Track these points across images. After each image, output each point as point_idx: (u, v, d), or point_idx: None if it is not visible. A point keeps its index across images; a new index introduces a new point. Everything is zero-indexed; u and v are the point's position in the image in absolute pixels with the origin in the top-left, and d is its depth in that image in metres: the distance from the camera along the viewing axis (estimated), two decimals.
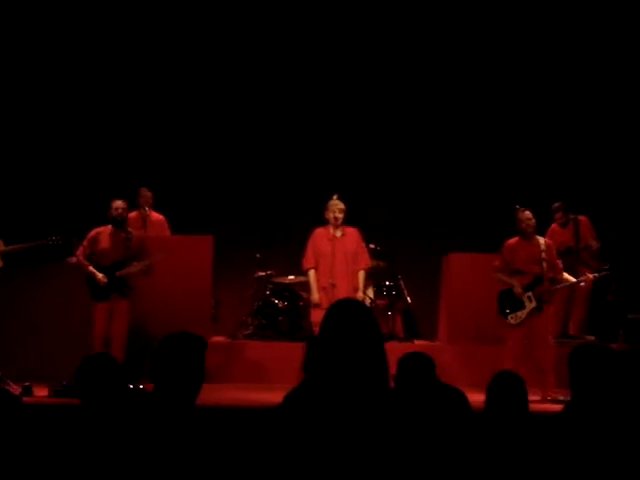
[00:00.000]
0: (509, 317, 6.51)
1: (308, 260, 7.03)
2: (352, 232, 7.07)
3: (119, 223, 6.65)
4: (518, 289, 6.49)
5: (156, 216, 8.07)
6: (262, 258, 8.36)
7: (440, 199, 9.42)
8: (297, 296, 7.98)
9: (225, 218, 9.22)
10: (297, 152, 9.41)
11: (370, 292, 7.88)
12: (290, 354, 7.20)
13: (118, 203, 6.67)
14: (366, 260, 7.13)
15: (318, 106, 9.43)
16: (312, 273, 6.99)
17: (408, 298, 8.22)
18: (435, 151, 9.40)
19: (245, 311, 8.25)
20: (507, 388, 3.19)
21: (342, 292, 6.69)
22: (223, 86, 9.37)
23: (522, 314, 6.45)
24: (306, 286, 7.41)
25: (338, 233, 6.97)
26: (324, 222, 7.06)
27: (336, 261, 6.82)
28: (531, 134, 9.27)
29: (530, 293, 6.47)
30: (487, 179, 9.33)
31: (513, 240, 6.68)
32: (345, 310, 2.38)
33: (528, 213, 6.61)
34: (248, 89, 9.35)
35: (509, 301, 6.54)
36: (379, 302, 7.98)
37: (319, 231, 7.06)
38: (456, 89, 9.29)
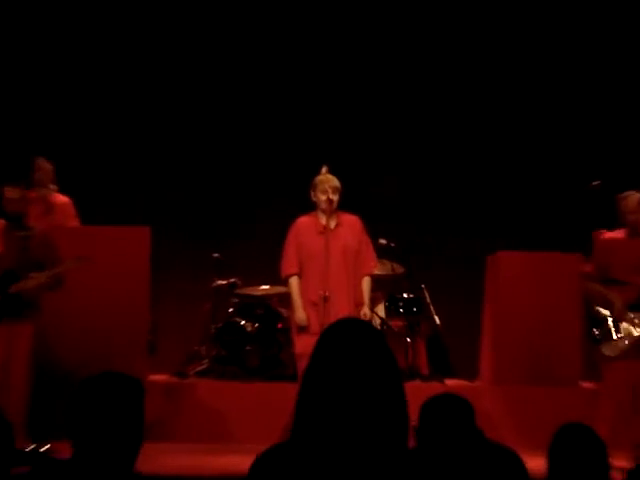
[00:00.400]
0: (602, 347, 6.51)
1: (289, 263, 7.01)
2: (352, 221, 7.06)
3: (14, 218, 6.72)
4: (620, 308, 6.50)
5: (60, 198, 8.10)
6: (222, 260, 8.41)
7: (479, 175, 9.55)
8: (274, 315, 8.05)
9: (167, 202, 9.23)
10: (269, 112, 9.56)
11: (380, 309, 7.90)
12: (263, 400, 7.28)
13: (12, 192, 6.70)
14: (373, 261, 7.13)
15: (296, 56, 9.62)
16: (295, 282, 6.97)
17: (436, 317, 8.26)
18: (470, 109, 9.67)
19: (197, 337, 8.26)
20: (578, 448, 3.19)
21: (340, 308, 6.68)
22: (162, 35, 9.60)
23: (623, 344, 6.46)
24: (287, 300, 7.41)
25: (332, 223, 6.94)
26: (310, 207, 7.05)
27: (331, 263, 6.78)
28: (599, 97, 9.54)
29: (636, 315, 6.49)
30: (541, 147, 9.49)
31: (611, 235, 6.67)
32: (345, 335, 2.37)
33: (636, 198, 6.55)
34: (196, 37, 9.59)
35: (604, 324, 6.52)
36: (394, 324, 8.04)
37: (304, 221, 7.05)
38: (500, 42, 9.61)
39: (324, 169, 7.03)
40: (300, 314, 6.88)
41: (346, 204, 7.08)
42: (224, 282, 8.33)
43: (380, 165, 9.59)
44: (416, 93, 9.74)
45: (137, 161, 9.41)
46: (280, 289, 7.81)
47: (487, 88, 9.77)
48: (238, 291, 8.32)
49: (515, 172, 9.53)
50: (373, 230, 7.38)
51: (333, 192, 6.89)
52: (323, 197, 6.90)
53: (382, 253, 7.76)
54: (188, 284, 8.76)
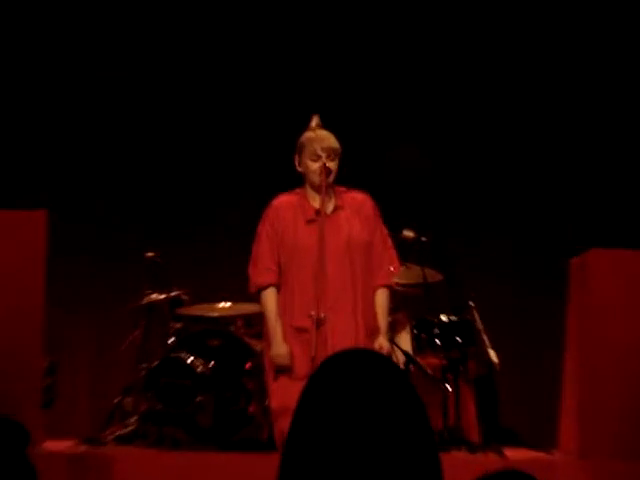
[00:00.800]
0: None
1: (263, 268, 7.10)
2: (359, 201, 7.19)
3: None
4: None
5: None
6: (160, 262, 8.56)
7: (553, 138, 9.96)
8: (238, 348, 8.05)
9: (76, 176, 9.26)
10: (233, 45, 10.14)
11: (405, 339, 7.92)
12: (223, 478, 7.21)
13: None
14: (393, 264, 7.22)
15: None
16: (272, 297, 7.04)
17: (491, 352, 8.17)
18: (535, 57, 10.50)
19: (119, 383, 8.31)
20: None
21: (342, 337, 6.83)
22: None
23: None
24: (259, 325, 7.41)
25: (329, 205, 7.01)
26: (296, 182, 7.02)
27: (328, 267, 6.88)
28: None
29: None
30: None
31: None
32: (350, 378, 2.45)
33: None
34: None
35: None
36: (426, 361, 8.09)
37: (286, 202, 7.18)
38: None
39: (314, 121, 7.08)
40: (279, 347, 6.93)
41: (349, 178, 7.01)
42: (162, 296, 8.39)
43: (402, 122, 9.66)
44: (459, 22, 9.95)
45: (32, 121, 9.53)
46: (248, 308, 7.85)
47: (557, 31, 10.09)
48: (184, 310, 8.36)
49: (609, 139, 9.66)
50: (393, 217, 7.39)
51: (329, 157, 6.87)
52: (314, 165, 6.95)
53: (408, 252, 7.72)
54: (107, 298, 8.76)
